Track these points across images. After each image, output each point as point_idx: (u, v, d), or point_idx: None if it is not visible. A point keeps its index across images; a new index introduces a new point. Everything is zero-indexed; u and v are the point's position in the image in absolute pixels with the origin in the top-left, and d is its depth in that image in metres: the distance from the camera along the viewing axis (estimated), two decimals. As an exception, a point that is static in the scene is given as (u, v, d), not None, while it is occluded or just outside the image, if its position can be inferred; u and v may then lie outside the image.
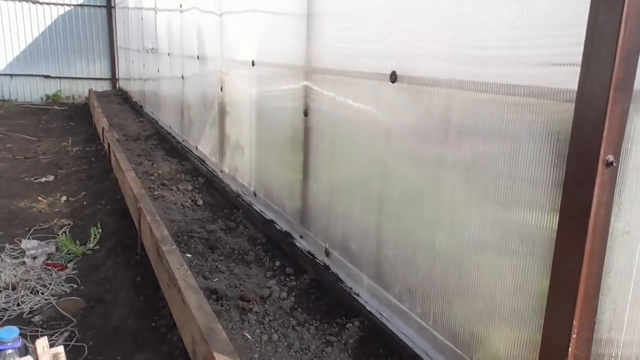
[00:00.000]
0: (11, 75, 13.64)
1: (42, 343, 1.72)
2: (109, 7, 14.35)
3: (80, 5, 14.15)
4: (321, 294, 2.94)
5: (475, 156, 1.91)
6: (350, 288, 2.81)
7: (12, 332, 1.80)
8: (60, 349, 1.73)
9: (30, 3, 13.60)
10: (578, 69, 1.44)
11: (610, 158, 1.41)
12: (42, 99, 13.88)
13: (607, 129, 1.38)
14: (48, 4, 13.79)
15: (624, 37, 1.33)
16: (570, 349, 1.52)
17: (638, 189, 1.52)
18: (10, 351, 1.73)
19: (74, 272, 3.58)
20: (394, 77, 2.34)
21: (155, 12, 8.25)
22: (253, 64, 4.07)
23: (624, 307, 1.61)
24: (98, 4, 14.35)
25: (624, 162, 1.47)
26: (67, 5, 14.02)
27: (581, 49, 1.43)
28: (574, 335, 1.51)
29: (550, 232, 1.61)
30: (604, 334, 1.62)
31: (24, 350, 1.77)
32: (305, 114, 3.25)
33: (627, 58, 1.35)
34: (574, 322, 1.50)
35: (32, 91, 13.91)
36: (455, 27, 1.97)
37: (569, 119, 1.49)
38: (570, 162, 1.50)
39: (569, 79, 1.50)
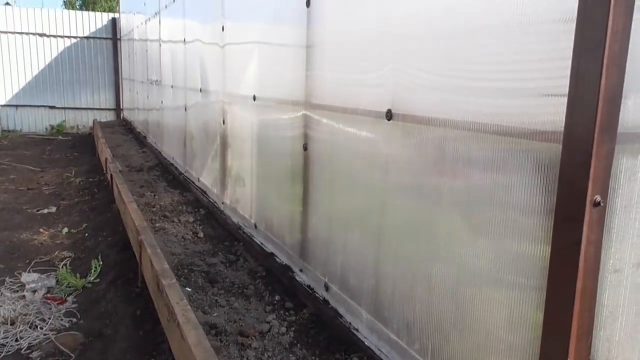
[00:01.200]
0: (17, 106, 13.88)
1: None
2: (115, 39, 14.69)
3: (87, 37, 14.49)
4: (320, 329, 2.93)
5: (469, 189, 1.94)
6: (350, 323, 2.81)
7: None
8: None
9: (37, 36, 13.93)
10: (564, 100, 1.49)
11: (598, 198, 1.45)
12: (46, 129, 14.07)
13: (594, 170, 1.43)
14: (55, 36, 14.14)
15: (606, 82, 1.39)
16: (565, 387, 1.53)
17: (627, 227, 1.55)
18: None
19: (73, 305, 3.58)
20: (389, 115, 2.40)
21: (160, 45, 8.44)
22: (254, 99, 4.16)
23: (618, 345, 1.62)
24: (104, 37, 14.70)
25: (611, 201, 1.50)
26: (74, 37, 14.36)
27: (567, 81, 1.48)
28: (569, 374, 1.52)
29: (544, 262, 1.63)
30: (600, 371, 1.62)
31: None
32: (305, 147, 3.31)
33: (610, 102, 1.41)
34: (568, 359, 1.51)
35: (37, 122, 14.13)
36: (447, 58, 2.03)
37: (557, 154, 1.54)
38: (559, 201, 1.54)
39: (557, 111, 1.54)
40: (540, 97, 1.62)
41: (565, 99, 1.49)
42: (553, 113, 1.56)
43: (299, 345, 2.77)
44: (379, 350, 2.52)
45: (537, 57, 1.63)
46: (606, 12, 1.33)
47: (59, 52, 14.25)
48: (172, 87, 7.61)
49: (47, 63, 14.14)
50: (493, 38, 1.80)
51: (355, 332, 2.73)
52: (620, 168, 1.50)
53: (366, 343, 2.61)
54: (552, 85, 1.57)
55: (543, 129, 1.61)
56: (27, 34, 13.85)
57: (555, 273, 1.56)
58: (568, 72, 1.47)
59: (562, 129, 1.51)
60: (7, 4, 14.00)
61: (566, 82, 1.48)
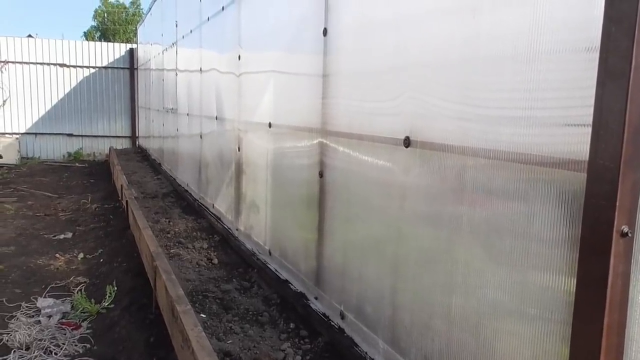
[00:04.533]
0: (36, 134, 14.19)
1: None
2: (132, 69, 15.04)
3: (105, 67, 14.87)
4: (336, 358, 2.88)
5: (489, 218, 1.92)
6: (366, 353, 2.75)
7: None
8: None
9: (57, 66, 14.32)
10: (588, 130, 1.48)
11: (625, 229, 1.42)
12: (64, 156, 14.33)
13: (620, 200, 1.41)
14: (74, 66, 14.53)
15: (631, 112, 1.38)
16: None
17: (655, 259, 1.52)
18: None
19: (88, 331, 3.57)
20: (407, 142, 2.41)
21: (176, 74, 8.61)
22: (270, 126, 4.20)
23: (649, 381, 1.57)
24: (122, 66, 15.07)
25: (639, 232, 1.48)
26: (93, 67, 14.74)
27: (591, 110, 1.47)
28: (598, 411, 1.47)
29: (569, 297, 1.59)
30: (630, 409, 1.56)
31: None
32: (321, 175, 3.32)
33: (636, 131, 1.39)
34: (597, 397, 1.46)
35: (54, 149, 14.41)
36: (465, 86, 2.04)
37: (582, 185, 1.52)
38: (584, 232, 1.51)
39: (581, 141, 1.53)
40: (563, 126, 1.62)
41: (589, 129, 1.48)
42: (577, 143, 1.55)
43: (314, 375, 2.73)
44: (397, 382, 2.47)
45: (559, 86, 1.64)
46: (631, 41, 1.33)
47: (78, 81, 14.62)
48: (187, 115, 7.73)
49: (66, 92, 14.51)
50: (514, 67, 1.81)
51: (372, 362, 2.67)
52: (647, 198, 1.48)
53: (383, 375, 2.56)
54: (575, 114, 1.57)
55: (567, 158, 1.60)
56: (47, 64, 14.26)
57: (581, 307, 1.52)
58: (591, 101, 1.47)
59: (587, 158, 1.50)
60: (30, 35, 14.45)
61: (590, 111, 1.48)
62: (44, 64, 14.22)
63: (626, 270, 1.45)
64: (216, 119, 6.02)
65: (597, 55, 1.45)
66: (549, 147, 1.67)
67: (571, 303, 1.57)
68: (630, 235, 1.42)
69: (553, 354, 1.66)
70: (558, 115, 1.64)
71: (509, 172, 1.84)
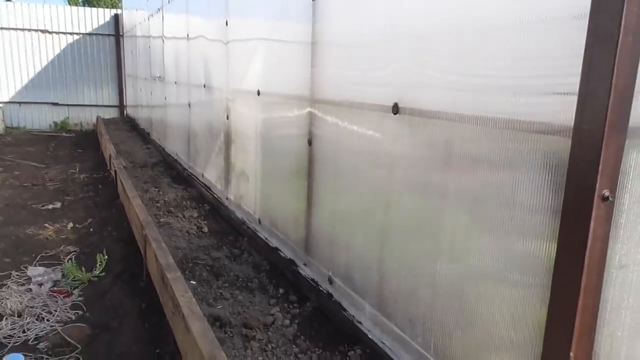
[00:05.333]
0: (20, 102, 13.90)
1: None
2: (117, 36, 14.69)
3: (89, 34, 14.50)
4: (324, 322, 2.95)
5: (476, 186, 1.95)
6: (353, 316, 2.82)
7: (17, 359, 1.84)
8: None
9: (39, 32, 13.94)
10: (575, 98, 1.49)
11: (607, 193, 1.46)
12: (50, 126, 14.10)
13: (603, 165, 1.43)
14: (57, 33, 14.14)
15: (618, 76, 1.39)
16: (570, 381, 1.54)
17: (635, 224, 1.56)
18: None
19: (79, 299, 3.60)
20: (396, 109, 2.41)
21: (163, 41, 8.44)
22: (258, 94, 4.17)
23: (622, 340, 1.63)
24: (107, 33, 14.70)
25: (620, 197, 1.51)
26: (76, 34, 14.37)
27: (578, 79, 1.48)
28: (573, 368, 1.53)
29: (549, 262, 1.64)
30: (604, 366, 1.63)
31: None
32: (310, 142, 3.32)
33: (622, 96, 1.41)
34: (570, 354, 1.52)
35: (40, 118, 14.15)
36: (455, 55, 2.04)
37: (566, 152, 1.54)
38: (567, 196, 1.54)
39: (567, 109, 1.54)
40: (551, 95, 1.63)
41: (576, 97, 1.49)
42: (563, 111, 1.56)
43: (302, 337, 2.79)
44: (382, 342, 2.54)
45: (548, 55, 1.64)
46: (621, 3, 1.33)
47: (62, 48, 14.26)
48: (175, 83, 7.62)
49: (49, 60, 14.16)
50: (503, 36, 1.81)
51: (358, 325, 2.74)
52: (631, 163, 1.50)
53: (369, 336, 2.63)
54: (563, 83, 1.58)
55: (553, 126, 1.62)
56: (29, 30, 13.86)
57: (561, 269, 1.57)
58: (579, 69, 1.48)
59: (572, 125, 1.52)
60: (9, 0, 14.03)
61: (577, 80, 1.48)
62: (25, 29, 13.81)
63: (605, 234, 1.49)
64: (204, 87, 5.95)
65: (586, 22, 1.45)
66: (535, 115, 1.68)
67: (551, 268, 1.62)
68: (611, 199, 1.46)
69: (532, 316, 1.72)
70: (546, 83, 1.65)
71: (496, 140, 1.85)
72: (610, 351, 1.64)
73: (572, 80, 1.51)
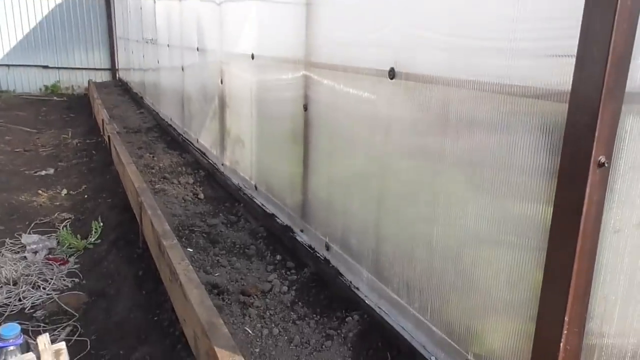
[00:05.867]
0: (8, 65, 13.60)
1: (43, 340, 1.76)
2: (107, -4, 14.28)
3: (78, -7, 14.07)
4: (321, 288, 2.98)
5: (472, 150, 1.93)
6: (350, 282, 2.85)
7: (13, 329, 1.85)
8: (62, 345, 1.77)
9: (27, -7, 13.52)
10: (573, 60, 1.46)
11: (602, 159, 1.44)
12: (40, 89, 13.85)
13: (599, 130, 1.41)
14: (45, -7, 13.72)
15: (616, 40, 1.35)
16: (562, 343, 1.56)
17: (630, 189, 1.55)
18: (12, 348, 1.77)
19: (75, 266, 3.62)
20: (392, 74, 2.36)
21: (154, 2, 8.21)
22: (253, 57, 4.08)
23: (615, 303, 1.65)
24: (96, -7, 14.28)
25: (615, 162, 1.49)
26: (65, -7, 13.94)
27: (576, 41, 1.44)
28: (566, 331, 1.55)
29: (545, 224, 1.64)
30: (596, 327, 1.66)
31: (26, 347, 1.81)
32: (305, 107, 3.27)
33: (619, 61, 1.37)
34: (565, 317, 1.54)
35: (30, 82, 13.88)
36: (453, 17, 1.98)
37: (563, 116, 1.51)
38: (563, 161, 1.53)
39: (565, 72, 1.51)
40: (549, 57, 1.59)
41: (574, 60, 1.45)
42: (561, 74, 1.52)
43: (300, 303, 2.82)
44: (379, 308, 2.57)
45: (546, 16, 1.59)
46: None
47: (50, 9, 13.85)
48: (168, 46, 7.45)
49: (38, 21, 13.77)
50: (500, -6, 1.75)
51: (355, 290, 2.77)
52: (626, 128, 1.48)
53: (366, 301, 2.66)
54: (561, 45, 1.53)
55: (550, 89, 1.58)
56: (16, -9, 13.44)
57: (557, 233, 1.57)
58: (577, 32, 1.43)
59: (569, 89, 1.49)
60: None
61: (575, 42, 1.44)
62: (11, -10, 13.40)
63: (600, 199, 1.48)
64: (197, 50, 5.82)
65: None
66: (533, 78, 1.65)
67: (547, 231, 1.62)
68: (606, 165, 1.44)
69: (528, 278, 1.73)
70: (544, 46, 1.61)
71: (493, 104, 1.82)
72: (603, 314, 1.66)
73: (571, 42, 1.47)
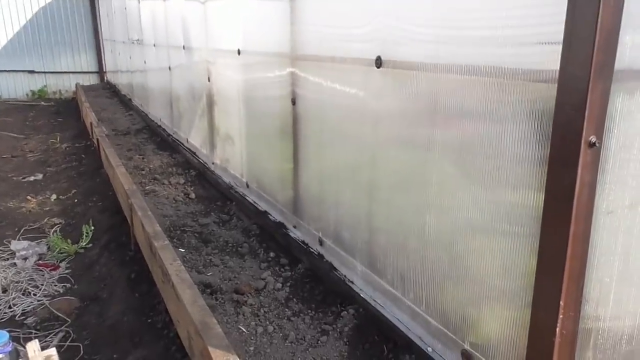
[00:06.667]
0: (-6, 71, 13.44)
1: (32, 346, 1.72)
2: (92, -3, 14.13)
3: (62, -5, 13.90)
4: (316, 283, 2.95)
5: (462, 138, 1.90)
6: (345, 276, 2.82)
7: (2, 337, 1.80)
8: (52, 351, 1.74)
9: (9, -4, 13.34)
10: (560, 48, 1.43)
11: (593, 139, 1.41)
12: (27, 95, 13.69)
13: (589, 110, 1.38)
14: (28, -4, 13.54)
15: (603, 18, 1.32)
16: (557, 328, 1.54)
17: (621, 169, 1.53)
18: (0, 356, 1.73)
19: (66, 271, 3.57)
20: (379, 62, 2.32)
21: (139, 2, 8.13)
22: (239, 53, 4.03)
23: (610, 285, 1.63)
24: (80, -5, 14.11)
25: (606, 142, 1.47)
26: (49, -4, 13.77)
27: (562, 27, 1.41)
28: (561, 315, 1.53)
29: (538, 211, 1.61)
30: (591, 311, 1.64)
31: (15, 355, 1.76)
32: (293, 102, 3.23)
33: (607, 39, 1.35)
34: (560, 302, 1.52)
35: (16, 87, 13.70)
36: (439, 8, 1.95)
37: (552, 98, 1.49)
38: (554, 143, 1.50)
39: (552, 59, 1.48)
40: (536, 44, 1.56)
41: (560, 47, 1.42)
42: (549, 61, 1.49)
43: (294, 299, 2.79)
44: (374, 301, 2.55)
45: (533, 3, 1.56)
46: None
47: (34, 12, 13.66)
48: (154, 45, 7.38)
49: (22, 25, 13.58)
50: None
51: (350, 284, 2.75)
52: (617, 107, 1.46)
53: (362, 295, 2.63)
54: (547, 31, 1.50)
55: (538, 72, 1.55)
56: (-3, -6, 13.25)
57: (549, 216, 1.54)
58: (563, 17, 1.40)
59: (557, 75, 1.46)
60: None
61: (561, 28, 1.41)
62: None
63: (592, 180, 1.45)
64: (184, 48, 5.76)
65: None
66: (522, 64, 1.61)
67: (540, 217, 1.59)
68: (597, 145, 1.42)
69: (521, 264, 1.71)
70: (530, 33, 1.58)
71: (482, 91, 1.79)
72: (599, 297, 1.64)
73: (557, 28, 1.44)
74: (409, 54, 2.15)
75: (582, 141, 1.40)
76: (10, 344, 1.83)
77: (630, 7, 1.36)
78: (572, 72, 1.40)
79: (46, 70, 13.87)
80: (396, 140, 2.30)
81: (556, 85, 1.47)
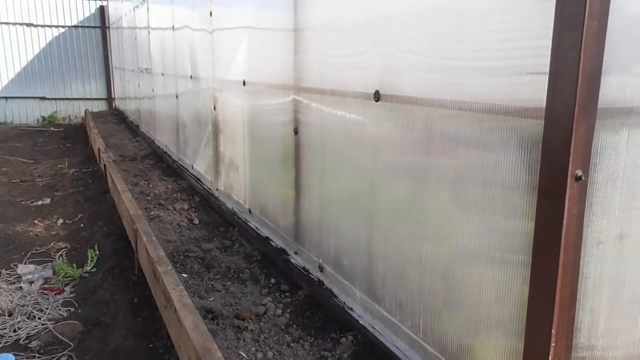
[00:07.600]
0: (6, 97, 13.74)
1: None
2: (104, 28, 14.52)
3: (75, 26, 14.32)
4: (316, 310, 2.98)
5: (457, 168, 1.97)
6: (344, 303, 2.85)
7: (7, 360, 1.84)
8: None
9: (24, 26, 13.74)
10: (546, 77, 1.51)
11: (579, 172, 1.48)
12: (38, 120, 13.97)
13: (574, 146, 1.45)
14: (42, 26, 13.96)
15: (585, 59, 1.40)
16: (550, 356, 1.57)
17: (608, 201, 1.58)
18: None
19: (71, 295, 3.61)
20: (377, 96, 2.41)
21: (149, 32, 8.36)
22: (244, 84, 4.15)
23: (601, 315, 1.67)
24: (93, 25, 14.52)
25: (593, 176, 1.53)
26: (62, 27, 14.18)
27: (548, 59, 1.50)
28: (553, 344, 1.56)
29: (530, 239, 1.66)
30: (583, 340, 1.67)
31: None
32: (296, 131, 3.32)
33: (589, 80, 1.42)
34: (552, 331, 1.55)
35: (27, 113, 14.00)
36: (433, 42, 2.05)
37: (540, 133, 1.56)
38: (542, 176, 1.57)
39: (540, 90, 1.55)
40: (523, 75, 1.64)
41: (546, 77, 1.50)
42: (536, 90, 1.57)
43: (294, 326, 2.82)
44: (373, 327, 2.57)
45: (518, 36, 1.65)
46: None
47: (47, 42, 14.07)
48: (162, 74, 7.56)
49: (35, 54, 13.97)
50: (476, 18, 1.81)
51: (349, 311, 2.77)
52: (602, 143, 1.52)
53: (360, 322, 2.66)
54: (534, 63, 1.59)
55: (526, 106, 1.63)
56: (13, 24, 13.66)
57: (539, 247, 1.60)
58: (549, 50, 1.49)
59: (544, 106, 1.54)
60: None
61: (547, 60, 1.50)
62: (10, 23, 13.61)
63: (580, 212, 1.51)
64: (191, 78, 5.91)
65: (553, 4, 1.46)
66: (511, 95, 1.70)
67: (531, 246, 1.64)
68: (584, 179, 1.48)
69: (515, 293, 1.75)
70: (519, 64, 1.66)
71: (474, 122, 1.87)
72: (590, 326, 1.68)
73: (543, 60, 1.52)
74: (405, 89, 2.23)
75: (569, 175, 1.47)
76: (15, 367, 1.87)
77: (610, 51, 1.44)
78: (557, 110, 1.48)
79: (57, 97, 14.19)
80: (394, 169, 2.37)
81: (543, 120, 1.54)
